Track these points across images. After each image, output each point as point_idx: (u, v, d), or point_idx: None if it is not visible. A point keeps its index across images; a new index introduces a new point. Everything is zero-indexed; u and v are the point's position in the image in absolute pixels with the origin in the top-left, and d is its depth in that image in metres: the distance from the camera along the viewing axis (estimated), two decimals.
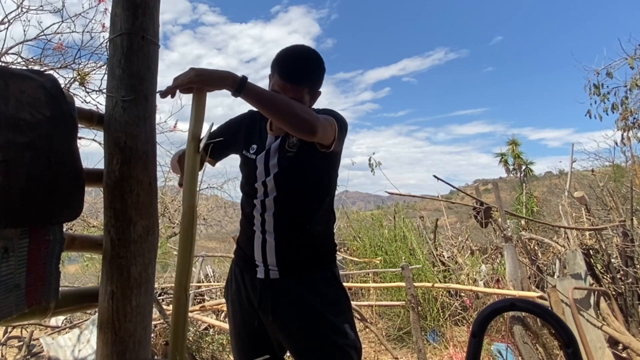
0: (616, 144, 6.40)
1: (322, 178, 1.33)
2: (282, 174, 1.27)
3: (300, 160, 1.25)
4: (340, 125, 1.26)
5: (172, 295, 3.95)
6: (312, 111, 1.15)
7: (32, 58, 3.21)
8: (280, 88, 1.22)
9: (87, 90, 3.24)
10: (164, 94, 1.01)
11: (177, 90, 1.01)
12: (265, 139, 1.33)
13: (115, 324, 0.89)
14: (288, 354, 1.37)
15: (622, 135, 6.17)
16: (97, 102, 3.27)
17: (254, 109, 1.15)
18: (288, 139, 1.28)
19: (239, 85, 1.02)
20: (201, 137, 1.02)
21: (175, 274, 0.91)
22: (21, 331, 3.63)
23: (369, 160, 6.32)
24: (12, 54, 3.09)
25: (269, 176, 1.28)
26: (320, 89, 1.32)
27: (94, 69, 3.26)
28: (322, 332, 1.24)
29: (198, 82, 1.00)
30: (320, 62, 1.29)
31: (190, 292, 4.98)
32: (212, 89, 1.03)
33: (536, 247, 4.38)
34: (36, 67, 3.05)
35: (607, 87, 6.08)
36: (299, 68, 1.25)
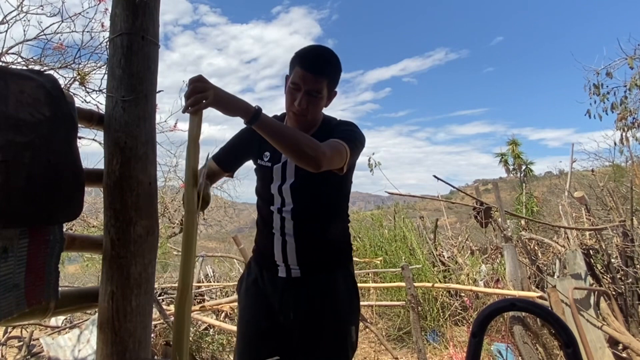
0: (615, 143, 6.41)
1: (338, 190, 1.38)
2: (299, 185, 1.31)
3: (316, 175, 1.23)
4: (354, 147, 1.27)
5: (172, 295, 3.95)
6: (319, 146, 1.14)
7: (32, 58, 3.20)
8: (300, 79, 1.25)
9: (87, 90, 3.23)
10: (184, 110, 1.02)
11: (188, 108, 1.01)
12: None
13: (115, 324, 0.89)
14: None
15: (621, 135, 6.19)
16: (97, 102, 3.27)
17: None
18: None
19: (252, 118, 1.05)
20: (199, 175, 1.03)
21: (178, 280, 0.91)
22: (21, 331, 3.63)
23: (369, 160, 6.33)
24: (12, 54, 3.08)
25: (285, 185, 1.32)
26: (336, 90, 1.35)
27: (94, 69, 3.26)
28: (333, 333, 1.30)
29: (215, 107, 1.02)
30: (339, 60, 1.33)
31: None
32: (227, 114, 1.06)
33: (536, 247, 4.38)
34: (36, 67, 3.05)
35: (607, 87, 6.09)
36: (320, 59, 1.29)
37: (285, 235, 1.32)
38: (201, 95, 1.00)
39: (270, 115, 1.43)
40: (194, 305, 3.87)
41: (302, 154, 1.11)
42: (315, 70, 1.25)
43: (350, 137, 1.28)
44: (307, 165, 1.13)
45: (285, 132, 1.12)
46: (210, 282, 5.38)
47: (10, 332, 3.57)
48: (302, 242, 1.31)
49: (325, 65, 1.29)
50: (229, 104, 1.04)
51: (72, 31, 3.20)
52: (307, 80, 1.25)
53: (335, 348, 1.30)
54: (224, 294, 4.72)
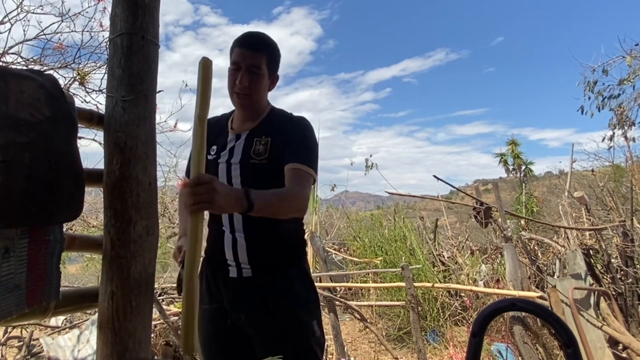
0: (608, 140, 6.46)
1: None
2: (247, 178, 1.29)
3: (267, 170, 1.27)
4: (316, 166, 1.31)
5: (172, 295, 3.94)
6: (300, 197, 1.22)
7: (32, 58, 3.20)
8: (239, 57, 1.28)
9: (87, 90, 3.23)
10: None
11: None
12: (226, 138, 1.35)
13: (115, 324, 0.89)
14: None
15: (613, 132, 6.25)
16: (97, 102, 3.27)
17: (219, 114, 1.35)
18: (254, 146, 1.30)
19: (246, 209, 1.03)
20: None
21: (185, 267, 0.89)
22: (21, 331, 3.63)
23: (366, 161, 6.37)
24: (12, 54, 3.08)
25: (231, 179, 1.31)
26: (278, 74, 1.38)
27: (94, 69, 3.26)
28: (292, 331, 1.27)
29: (213, 209, 0.95)
30: (276, 43, 1.37)
31: None
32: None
33: (536, 247, 4.38)
34: (36, 67, 3.05)
35: (603, 84, 6.13)
36: (256, 37, 1.34)
37: (235, 232, 1.30)
38: (203, 197, 0.91)
39: (219, 114, 1.49)
40: None
41: (293, 213, 1.24)
42: (253, 46, 1.29)
43: (310, 155, 1.28)
44: (296, 216, 1.31)
45: (275, 205, 1.15)
46: None
47: (10, 332, 3.57)
48: (252, 238, 1.29)
49: (262, 42, 1.33)
50: (226, 207, 1.00)
51: (72, 31, 3.20)
52: (245, 56, 1.28)
53: (299, 347, 1.27)
54: None
